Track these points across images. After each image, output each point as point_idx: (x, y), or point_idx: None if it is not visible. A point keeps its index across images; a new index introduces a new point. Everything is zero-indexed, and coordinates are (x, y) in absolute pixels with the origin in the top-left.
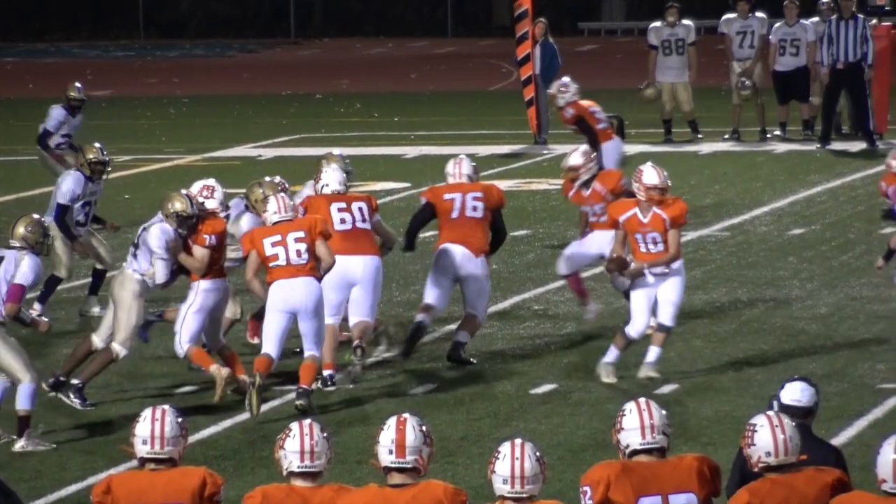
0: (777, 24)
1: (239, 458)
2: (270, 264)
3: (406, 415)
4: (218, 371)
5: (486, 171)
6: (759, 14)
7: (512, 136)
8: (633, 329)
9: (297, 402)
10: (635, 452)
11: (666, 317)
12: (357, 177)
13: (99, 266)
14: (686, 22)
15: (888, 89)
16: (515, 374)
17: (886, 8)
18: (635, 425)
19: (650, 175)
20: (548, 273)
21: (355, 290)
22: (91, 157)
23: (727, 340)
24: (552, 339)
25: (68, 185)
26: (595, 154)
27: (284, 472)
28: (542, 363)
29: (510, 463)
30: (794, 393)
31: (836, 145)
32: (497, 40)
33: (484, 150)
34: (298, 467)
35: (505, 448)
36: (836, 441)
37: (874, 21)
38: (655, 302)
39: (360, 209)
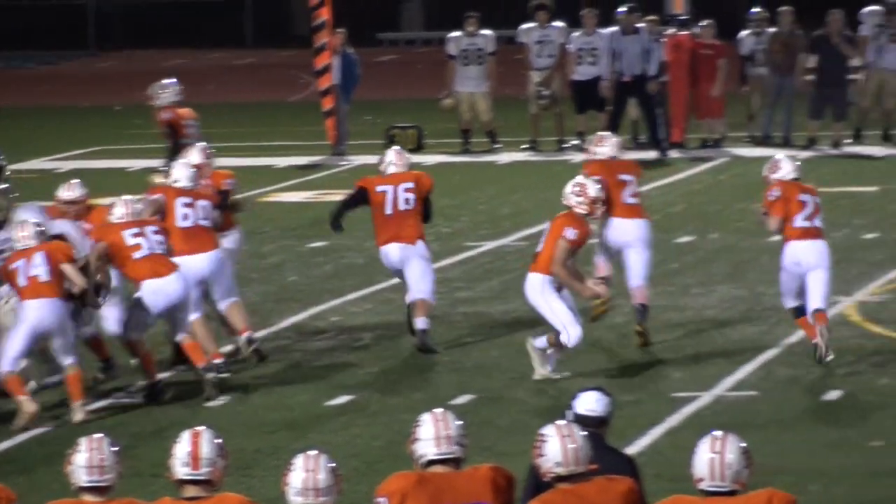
0: (575, 34)
1: (33, 474)
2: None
3: (201, 427)
4: (26, 403)
5: (285, 183)
6: (558, 23)
7: (310, 148)
8: (572, 339)
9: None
10: (430, 463)
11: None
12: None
13: None
14: (485, 32)
15: (686, 99)
16: (311, 386)
17: (683, 17)
18: (430, 436)
19: (594, 189)
20: (345, 284)
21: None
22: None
23: (523, 350)
24: (349, 350)
25: None
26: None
27: (73, 488)
28: (338, 375)
29: (303, 475)
30: (589, 403)
31: (632, 155)
32: (296, 51)
33: (282, 162)
34: (87, 482)
35: (299, 460)
36: (631, 450)
37: (671, 30)
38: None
39: (204, 207)
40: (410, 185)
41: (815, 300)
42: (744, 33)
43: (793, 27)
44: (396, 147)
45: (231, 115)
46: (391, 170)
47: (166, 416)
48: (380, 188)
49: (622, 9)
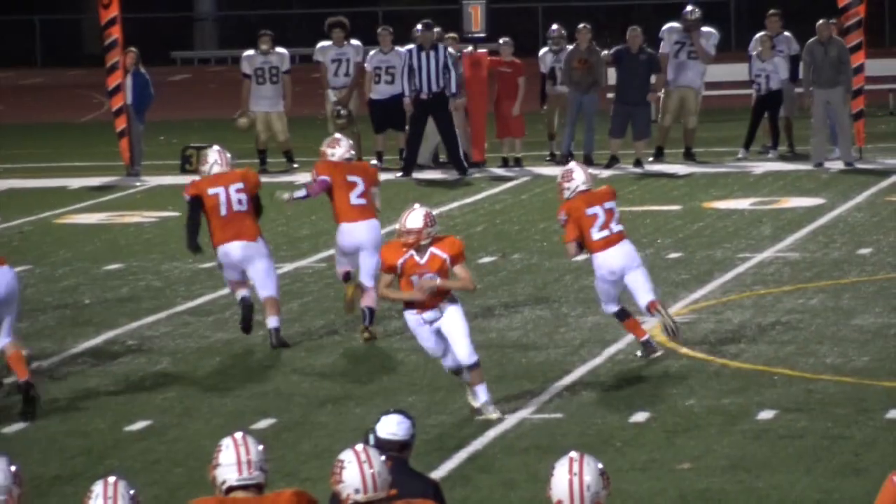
0: (372, 52)
1: None
2: None
3: None
4: None
5: (79, 204)
6: (354, 42)
7: (104, 168)
8: (454, 361)
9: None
10: (232, 489)
11: (465, 355)
12: None
13: None
14: (280, 50)
15: (485, 117)
16: (109, 411)
17: (482, 35)
18: (232, 461)
19: (412, 219)
20: (141, 307)
21: None
22: None
23: (325, 374)
24: (146, 374)
25: None
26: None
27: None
28: (136, 399)
29: (102, 503)
30: (390, 426)
31: (427, 173)
32: (87, 70)
33: (75, 183)
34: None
35: (97, 487)
36: (436, 474)
37: (469, 48)
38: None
39: None
40: (240, 185)
41: (643, 296)
42: (543, 51)
43: (591, 44)
44: (217, 146)
45: (21, 136)
46: (216, 170)
47: None
48: (212, 191)
49: (419, 26)
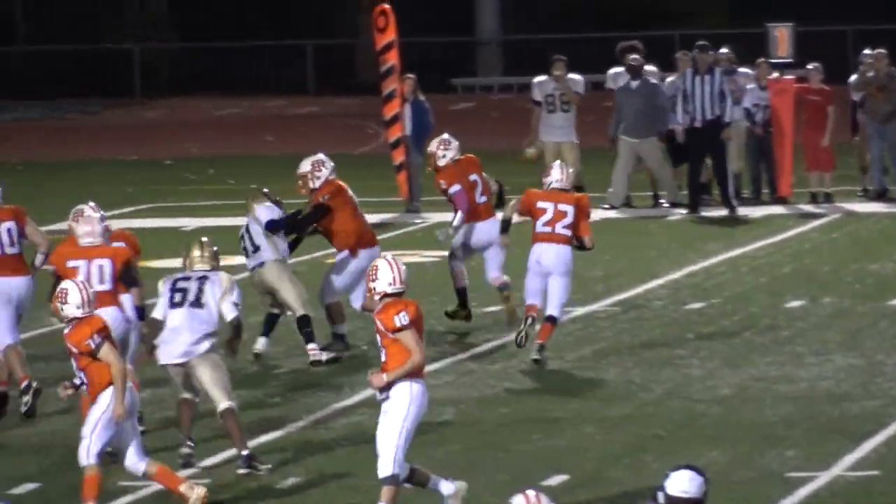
0: (670, 79)
1: None
2: None
3: None
4: None
5: None
6: (650, 68)
7: (381, 204)
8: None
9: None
10: None
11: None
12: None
13: None
14: (573, 76)
15: (791, 149)
16: None
17: (789, 60)
18: None
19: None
20: None
21: None
22: None
23: (620, 426)
24: (427, 426)
25: None
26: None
27: None
28: (416, 453)
29: None
30: (682, 483)
31: (738, 210)
32: (362, 99)
33: None
34: None
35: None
36: None
37: (775, 74)
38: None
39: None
40: (106, 261)
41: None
42: (853, 77)
43: (890, 70)
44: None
45: (292, 169)
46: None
47: None
48: (72, 263)
49: (695, 48)
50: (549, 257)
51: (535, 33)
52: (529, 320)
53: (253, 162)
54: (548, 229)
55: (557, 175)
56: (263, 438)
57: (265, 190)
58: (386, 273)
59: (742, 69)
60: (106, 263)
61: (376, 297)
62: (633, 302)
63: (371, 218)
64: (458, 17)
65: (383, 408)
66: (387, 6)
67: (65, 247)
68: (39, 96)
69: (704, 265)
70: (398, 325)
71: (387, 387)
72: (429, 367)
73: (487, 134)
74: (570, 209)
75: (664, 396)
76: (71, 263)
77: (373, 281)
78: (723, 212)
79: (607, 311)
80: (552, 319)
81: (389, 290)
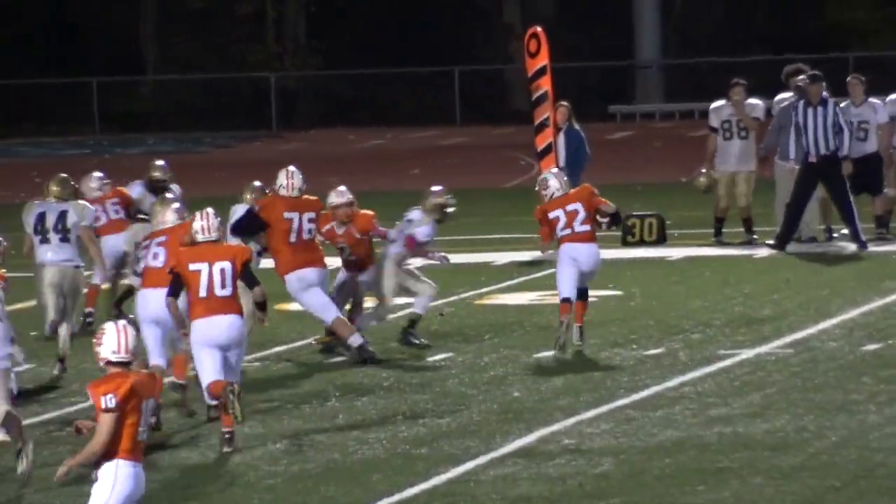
0: (842, 104)
1: None
2: None
3: None
4: None
5: (503, 283)
6: (753, 100)
7: (533, 241)
8: None
9: None
10: None
11: None
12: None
13: None
14: (752, 101)
15: None
16: None
17: None
18: None
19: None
20: (579, 401)
21: None
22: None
23: (792, 476)
24: (586, 478)
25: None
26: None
27: None
28: None
29: None
30: None
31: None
32: (514, 128)
33: (501, 258)
34: None
35: None
36: None
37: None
38: None
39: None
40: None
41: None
42: None
43: None
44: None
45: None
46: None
47: None
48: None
49: (806, 77)
50: (582, 254)
51: (697, 56)
52: (565, 324)
53: (397, 196)
54: (568, 231)
55: (556, 185)
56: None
57: (256, 183)
58: (111, 339)
59: None
60: (227, 266)
61: (100, 363)
62: (806, 343)
63: (523, 255)
64: (616, 41)
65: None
66: (538, 29)
67: (186, 250)
68: (168, 128)
69: (881, 303)
70: (103, 406)
71: (95, 465)
72: (587, 414)
73: (650, 163)
74: (578, 206)
75: (839, 445)
76: (193, 267)
77: (98, 345)
78: (893, 246)
79: (777, 353)
80: (583, 295)
81: (113, 357)
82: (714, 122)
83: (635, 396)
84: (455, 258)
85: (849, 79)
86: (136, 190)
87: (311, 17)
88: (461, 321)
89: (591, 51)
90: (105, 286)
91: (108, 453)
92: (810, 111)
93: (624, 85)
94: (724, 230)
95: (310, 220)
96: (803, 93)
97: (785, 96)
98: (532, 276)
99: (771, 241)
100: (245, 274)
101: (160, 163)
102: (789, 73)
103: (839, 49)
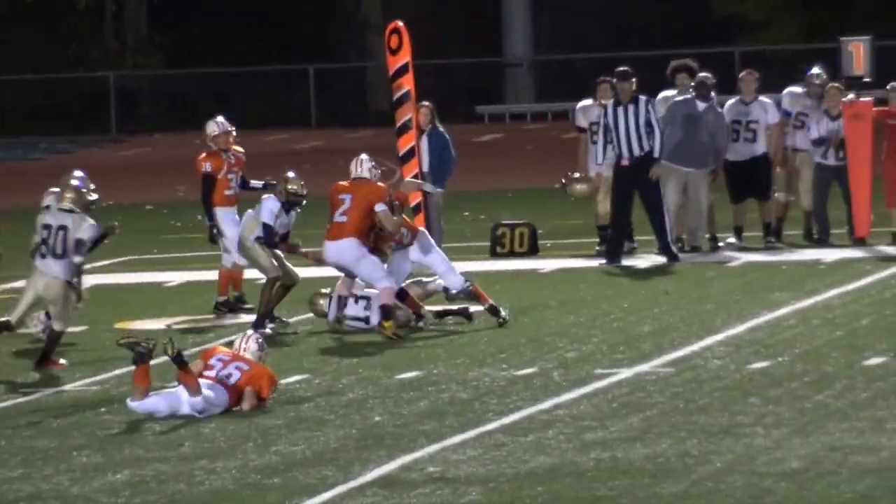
0: (730, 102)
1: None
2: None
3: None
4: None
5: None
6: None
7: None
8: None
9: None
10: None
11: None
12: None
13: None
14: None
15: (870, 182)
16: None
17: (866, 79)
18: None
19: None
20: (444, 425)
21: None
22: (291, 187)
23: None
24: None
25: (269, 206)
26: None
27: None
28: None
29: None
30: None
31: (806, 254)
32: (374, 130)
33: None
34: None
35: None
36: None
37: (850, 96)
38: None
39: None
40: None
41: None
42: None
43: None
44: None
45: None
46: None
47: None
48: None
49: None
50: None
51: (570, 52)
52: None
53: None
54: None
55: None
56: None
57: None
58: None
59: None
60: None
61: None
62: (688, 361)
63: None
64: (483, 35)
65: None
66: (400, 23)
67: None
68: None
69: (770, 318)
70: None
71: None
72: (453, 440)
73: (521, 168)
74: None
75: (724, 471)
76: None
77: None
78: (786, 256)
79: (658, 372)
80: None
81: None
82: (582, 122)
83: (505, 420)
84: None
85: (742, 74)
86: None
87: (154, 10)
88: (318, 340)
89: (458, 47)
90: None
91: None
92: (620, 111)
93: (492, 83)
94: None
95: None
96: (705, 87)
97: (669, 94)
98: None
99: (602, 261)
100: None
101: (293, 174)
102: (676, 69)
103: (724, 43)
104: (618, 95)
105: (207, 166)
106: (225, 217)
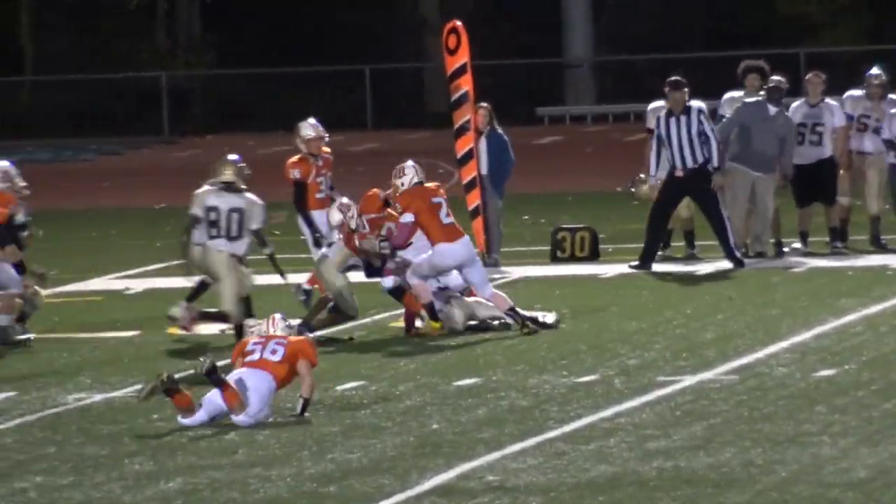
0: (795, 104)
1: None
2: None
3: None
4: None
5: None
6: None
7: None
8: None
9: None
10: None
11: None
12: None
13: None
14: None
15: None
16: None
17: None
18: None
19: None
20: (503, 433)
21: None
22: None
23: None
24: None
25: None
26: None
27: None
28: None
29: None
30: None
31: (873, 259)
32: (431, 133)
33: None
34: None
35: None
36: None
37: None
38: None
39: None
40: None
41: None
42: None
43: None
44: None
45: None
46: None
47: None
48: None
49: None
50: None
51: (631, 54)
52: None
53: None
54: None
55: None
56: None
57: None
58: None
59: (892, 95)
60: None
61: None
62: (753, 369)
63: None
64: (543, 37)
65: None
66: (458, 23)
67: None
68: (49, 134)
69: (836, 324)
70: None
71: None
72: (512, 448)
73: (581, 171)
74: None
75: (790, 481)
76: None
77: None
78: (853, 261)
79: (721, 380)
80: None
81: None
82: (652, 123)
83: (566, 428)
84: (359, 276)
85: (809, 76)
86: None
87: (206, 9)
88: (374, 346)
89: (516, 47)
90: None
91: None
92: (672, 121)
93: (552, 85)
94: (669, 244)
95: None
96: (778, 92)
97: (736, 94)
98: None
99: (634, 263)
100: None
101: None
102: (748, 69)
103: (787, 45)
104: (670, 105)
105: (296, 173)
106: (320, 219)
